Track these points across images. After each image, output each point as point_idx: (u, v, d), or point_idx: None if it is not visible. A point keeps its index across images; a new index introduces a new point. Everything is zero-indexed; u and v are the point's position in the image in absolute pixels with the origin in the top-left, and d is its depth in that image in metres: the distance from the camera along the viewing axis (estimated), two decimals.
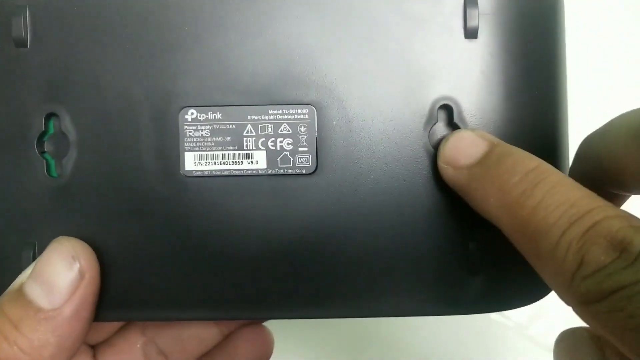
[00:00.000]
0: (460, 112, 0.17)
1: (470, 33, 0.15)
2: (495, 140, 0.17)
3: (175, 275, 0.16)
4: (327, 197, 0.15)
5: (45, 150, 0.16)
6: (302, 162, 0.15)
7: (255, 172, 0.15)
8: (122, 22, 0.15)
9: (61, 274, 0.14)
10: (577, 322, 0.43)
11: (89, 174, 0.16)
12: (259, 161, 0.15)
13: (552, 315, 0.41)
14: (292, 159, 0.15)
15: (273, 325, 0.43)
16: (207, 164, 0.15)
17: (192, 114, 0.15)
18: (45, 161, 0.16)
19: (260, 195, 0.15)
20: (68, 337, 0.14)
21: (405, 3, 0.15)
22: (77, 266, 0.14)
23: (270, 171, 0.15)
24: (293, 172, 0.15)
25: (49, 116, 0.16)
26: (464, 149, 0.16)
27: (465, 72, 0.16)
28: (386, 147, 0.15)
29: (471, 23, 0.15)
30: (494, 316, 0.42)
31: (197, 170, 0.16)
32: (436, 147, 0.16)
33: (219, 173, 0.15)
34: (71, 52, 0.15)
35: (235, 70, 0.15)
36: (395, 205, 0.16)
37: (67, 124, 0.16)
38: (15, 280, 0.15)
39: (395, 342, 0.42)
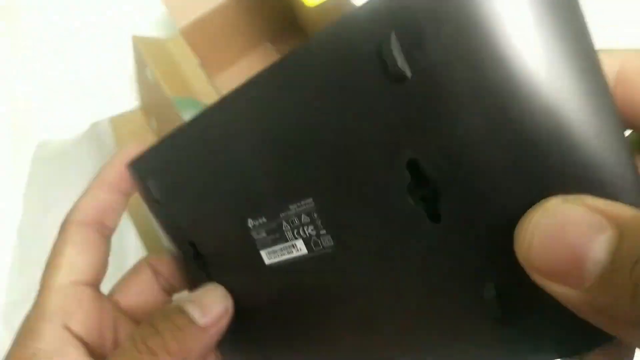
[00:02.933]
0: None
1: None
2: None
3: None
4: (351, 268, 0.17)
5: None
6: (326, 242, 0.18)
7: (302, 257, 0.19)
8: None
9: (217, 303, 0.20)
10: None
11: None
12: (301, 248, 0.18)
13: None
14: (319, 241, 0.18)
15: None
16: (274, 257, 0.19)
17: (250, 222, 0.19)
18: None
19: (310, 274, 0.18)
20: (203, 352, 0.19)
21: None
22: (229, 302, 0.20)
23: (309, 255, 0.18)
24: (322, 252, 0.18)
25: None
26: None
27: None
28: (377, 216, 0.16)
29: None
30: None
31: (272, 262, 0.20)
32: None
33: (284, 261, 0.19)
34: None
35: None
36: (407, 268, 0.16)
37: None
38: (174, 302, 0.20)
39: None
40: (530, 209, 0.13)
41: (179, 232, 0.23)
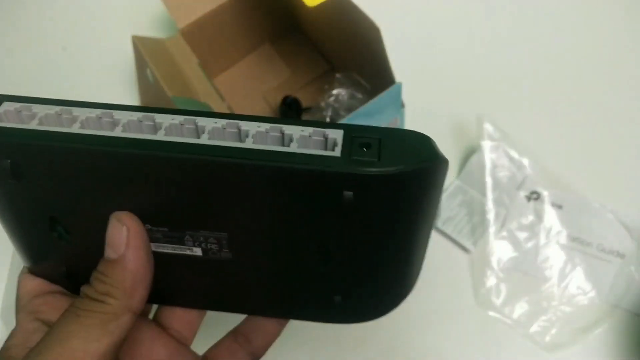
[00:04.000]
0: None
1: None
2: None
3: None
4: (241, 268, 0.23)
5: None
6: (224, 255, 0.23)
7: (194, 257, 0.23)
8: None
9: (115, 234, 0.21)
10: (574, 320, 0.43)
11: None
12: (197, 252, 0.23)
13: (550, 315, 0.42)
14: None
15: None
16: (161, 248, 0.23)
17: (148, 226, 0.22)
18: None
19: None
20: (137, 273, 0.21)
21: None
22: (123, 226, 0.21)
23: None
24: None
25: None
26: None
27: None
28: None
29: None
30: (492, 314, 0.42)
31: (156, 250, 0.23)
32: None
33: (170, 253, 0.23)
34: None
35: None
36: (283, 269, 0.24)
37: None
38: None
39: (395, 342, 0.43)
40: None
41: (39, 207, 0.22)
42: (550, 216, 0.44)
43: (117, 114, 0.20)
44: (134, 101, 0.56)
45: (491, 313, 0.42)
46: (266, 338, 0.27)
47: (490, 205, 0.45)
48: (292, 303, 0.25)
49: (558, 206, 0.44)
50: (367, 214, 0.20)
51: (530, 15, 0.58)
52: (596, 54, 0.54)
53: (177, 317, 0.27)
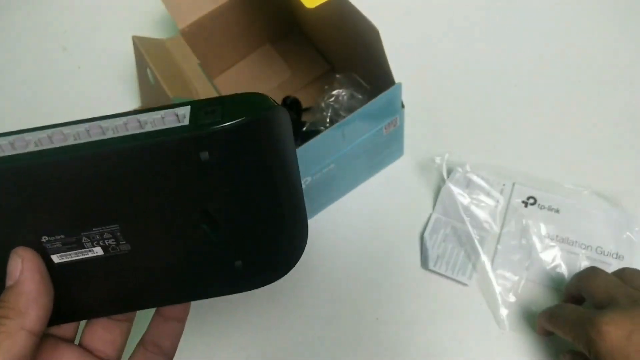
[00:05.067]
0: None
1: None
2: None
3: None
4: (141, 259, 0.24)
5: None
6: (123, 247, 0.24)
7: (96, 257, 0.24)
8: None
9: (12, 264, 0.23)
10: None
11: None
12: (97, 252, 0.24)
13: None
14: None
15: (278, 328, 0.44)
16: (65, 258, 0.24)
17: (44, 238, 0.23)
18: None
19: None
20: (29, 293, 0.23)
21: None
22: (19, 257, 0.23)
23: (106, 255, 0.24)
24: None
25: None
26: None
27: None
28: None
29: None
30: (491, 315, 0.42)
31: (61, 261, 0.24)
32: None
33: (74, 260, 0.24)
34: None
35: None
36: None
37: None
38: None
39: (394, 342, 0.43)
40: None
41: None
42: (548, 220, 0.44)
43: None
44: (135, 101, 0.56)
45: (490, 314, 0.42)
46: (172, 338, 0.29)
47: (475, 232, 0.45)
48: (198, 282, 0.26)
49: (555, 210, 0.44)
50: (227, 169, 0.22)
51: (530, 15, 0.58)
52: (590, 55, 0.54)
53: (99, 337, 0.27)
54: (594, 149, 0.48)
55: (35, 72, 0.61)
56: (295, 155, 0.25)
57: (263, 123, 0.21)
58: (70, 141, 0.21)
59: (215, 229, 0.23)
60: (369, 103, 0.39)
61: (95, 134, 0.21)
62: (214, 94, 0.48)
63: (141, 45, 0.47)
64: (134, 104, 0.55)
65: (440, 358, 0.42)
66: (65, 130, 0.22)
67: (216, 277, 0.26)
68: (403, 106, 0.43)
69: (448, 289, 0.44)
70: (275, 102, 0.22)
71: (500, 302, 0.42)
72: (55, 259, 0.24)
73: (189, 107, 0.21)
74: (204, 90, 0.48)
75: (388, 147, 0.47)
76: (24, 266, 0.23)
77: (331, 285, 0.46)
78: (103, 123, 0.21)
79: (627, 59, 0.53)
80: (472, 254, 0.44)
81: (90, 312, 0.26)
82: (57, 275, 0.24)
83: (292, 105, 0.51)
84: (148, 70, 0.47)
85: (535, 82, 0.53)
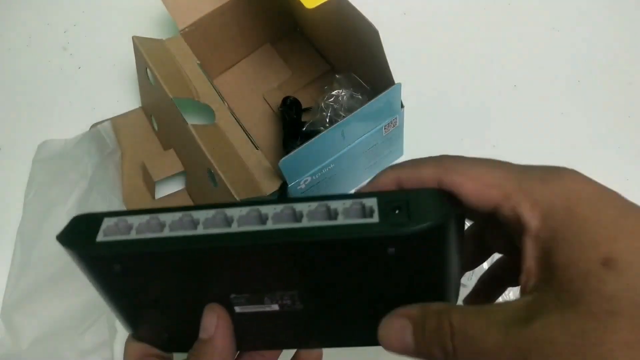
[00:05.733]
0: None
1: None
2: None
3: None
4: (309, 315, 0.28)
5: None
6: (297, 306, 0.27)
7: (271, 311, 0.27)
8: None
9: (208, 320, 0.27)
10: None
11: None
12: (274, 307, 0.27)
13: None
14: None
15: None
16: (244, 309, 0.27)
17: (233, 295, 0.27)
18: None
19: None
20: (222, 350, 0.27)
21: None
22: (215, 314, 0.26)
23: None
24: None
25: None
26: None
27: None
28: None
29: None
30: None
31: (240, 311, 0.27)
32: None
33: (252, 311, 0.27)
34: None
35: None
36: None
37: None
38: None
39: None
40: (380, 324, 0.25)
41: (143, 293, 0.27)
42: None
43: (195, 214, 0.25)
44: (135, 101, 0.56)
45: None
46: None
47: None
48: (350, 334, 0.30)
49: None
50: (408, 262, 0.25)
51: (530, 14, 0.58)
52: (592, 54, 0.54)
53: None
54: (597, 145, 0.48)
55: (35, 72, 0.61)
56: (462, 246, 0.27)
57: (443, 226, 0.24)
58: (269, 225, 0.24)
59: (379, 302, 0.26)
60: (369, 103, 0.39)
61: (288, 217, 0.24)
62: (214, 94, 0.48)
63: (141, 46, 0.47)
64: (134, 104, 0.56)
65: None
66: (263, 209, 0.24)
67: (366, 332, 0.28)
68: (402, 106, 0.43)
69: None
70: (450, 207, 0.24)
71: (500, 301, 0.42)
72: (237, 309, 0.27)
73: (375, 200, 0.24)
74: (204, 90, 0.48)
75: (388, 147, 0.47)
76: (219, 323, 0.26)
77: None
78: (297, 206, 0.24)
79: (628, 58, 0.53)
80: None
81: (256, 345, 0.31)
82: (235, 319, 0.28)
83: (292, 105, 0.51)
84: (148, 71, 0.47)
85: (536, 82, 0.53)
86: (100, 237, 0.25)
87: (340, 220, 0.24)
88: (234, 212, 0.25)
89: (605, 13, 0.57)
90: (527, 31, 0.57)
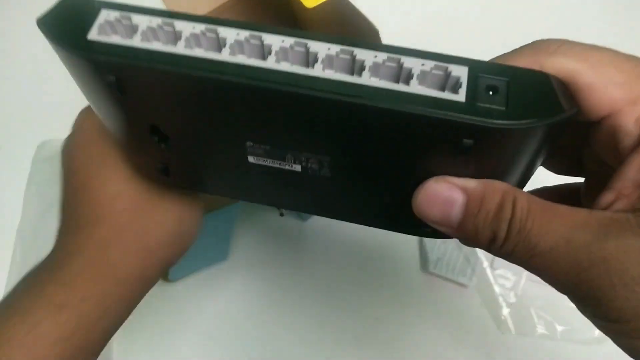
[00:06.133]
0: None
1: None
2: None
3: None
4: (337, 183, 0.23)
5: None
6: (324, 173, 0.23)
7: (291, 170, 0.23)
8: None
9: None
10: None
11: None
12: (296, 168, 0.23)
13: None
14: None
15: (277, 328, 0.44)
16: (260, 160, 0.23)
17: (250, 143, 0.22)
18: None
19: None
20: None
21: None
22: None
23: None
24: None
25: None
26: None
27: None
28: None
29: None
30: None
31: (254, 162, 0.23)
32: None
33: (268, 165, 0.23)
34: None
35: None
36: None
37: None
38: None
39: (395, 342, 0.43)
40: (419, 187, 0.21)
41: (141, 117, 0.23)
42: None
43: (222, 31, 0.19)
44: None
45: (490, 315, 0.42)
46: None
47: None
48: (374, 213, 0.25)
49: None
50: (481, 159, 0.19)
51: (531, 14, 0.58)
52: None
53: None
54: None
55: (35, 72, 0.61)
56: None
57: (547, 130, 0.18)
58: (318, 71, 0.18)
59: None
60: None
61: (343, 64, 0.19)
62: None
63: None
64: None
65: (441, 359, 0.42)
66: (312, 46, 0.18)
67: (404, 219, 0.24)
68: None
69: (448, 291, 0.44)
70: (564, 102, 0.18)
71: (500, 302, 0.42)
72: (251, 159, 0.23)
73: (465, 69, 0.18)
74: None
75: None
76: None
77: (331, 286, 0.46)
78: (360, 53, 0.18)
79: None
80: (471, 256, 0.44)
81: (255, 198, 0.26)
82: (243, 167, 0.23)
83: None
84: None
85: None
86: (93, 35, 0.20)
87: (413, 88, 0.18)
88: (274, 41, 0.19)
89: (609, 17, 0.57)
90: (529, 31, 0.57)
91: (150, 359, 0.44)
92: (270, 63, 0.18)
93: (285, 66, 0.18)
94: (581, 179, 0.24)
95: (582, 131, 0.21)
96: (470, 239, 0.20)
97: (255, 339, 0.43)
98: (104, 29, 0.20)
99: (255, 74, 0.18)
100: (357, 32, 0.42)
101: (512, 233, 0.18)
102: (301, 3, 0.36)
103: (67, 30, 0.20)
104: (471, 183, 0.20)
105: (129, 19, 0.19)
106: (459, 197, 0.20)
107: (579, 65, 0.18)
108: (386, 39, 0.37)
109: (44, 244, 0.52)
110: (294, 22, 0.57)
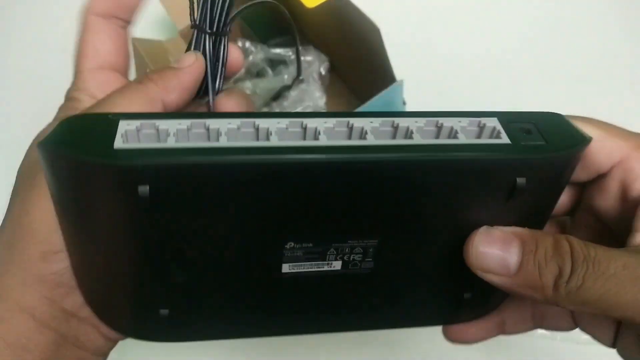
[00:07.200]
0: None
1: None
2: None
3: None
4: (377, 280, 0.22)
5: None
6: (365, 265, 0.21)
7: (331, 271, 0.21)
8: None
9: (190, 56, 0.26)
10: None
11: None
12: (335, 266, 0.21)
13: None
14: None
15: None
16: (295, 268, 0.21)
17: (291, 244, 0.20)
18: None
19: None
20: (178, 87, 0.25)
21: None
22: (198, 55, 0.26)
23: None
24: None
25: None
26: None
27: None
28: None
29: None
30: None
31: (289, 271, 0.21)
32: None
33: (304, 272, 0.21)
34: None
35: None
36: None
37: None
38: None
39: (395, 342, 0.43)
40: (469, 237, 0.20)
41: (166, 235, 0.19)
42: None
43: (260, 122, 0.18)
44: None
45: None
46: None
47: None
48: (421, 310, 0.24)
49: None
50: (528, 200, 0.20)
51: (531, 14, 0.58)
52: (593, 55, 0.55)
53: None
54: None
55: (35, 73, 0.61)
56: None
57: (577, 157, 0.20)
58: (370, 141, 0.18)
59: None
60: (370, 101, 0.39)
61: (388, 134, 0.19)
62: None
63: (141, 47, 0.47)
64: None
65: (441, 358, 0.42)
66: (355, 122, 0.18)
67: (441, 306, 0.24)
68: (405, 103, 0.43)
69: None
70: (583, 131, 0.20)
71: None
72: (285, 268, 0.20)
73: (495, 119, 0.19)
74: None
75: None
76: (195, 64, 0.25)
77: None
78: (400, 121, 0.18)
79: (629, 57, 0.54)
80: None
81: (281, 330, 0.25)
82: (274, 281, 0.21)
83: None
84: (148, 71, 0.47)
85: (536, 80, 0.53)
86: (118, 144, 0.16)
87: (461, 140, 0.18)
88: (316, 124, 0.18)
89: (610, 18, 0.57)
90: (530, 29, 0.57)
91: (147, 357, 0.44)
92: (323, 141, 0.18)
93: (333, 141, 0.18)
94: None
95: (576, 196, 0.24)
96: (531, 282, 0.19)
97: (253, 339, 0.43)
98: (129, 137, 0.17)
99: (308, 151, 0.17)
100: (358, 31, 0.42)
101: (577, 262, 0.19)
102: (301, 3, 0.36)
103: (82, 145, 0.17)
104: (521, 230, 0.20)
105: (153, 125, 0.18)
106: (514, 242, 0.20)
107: (587, 128, 0.20)
108: (387, 37, 0.37)
109: None
110: (294, 21, 0.57)
